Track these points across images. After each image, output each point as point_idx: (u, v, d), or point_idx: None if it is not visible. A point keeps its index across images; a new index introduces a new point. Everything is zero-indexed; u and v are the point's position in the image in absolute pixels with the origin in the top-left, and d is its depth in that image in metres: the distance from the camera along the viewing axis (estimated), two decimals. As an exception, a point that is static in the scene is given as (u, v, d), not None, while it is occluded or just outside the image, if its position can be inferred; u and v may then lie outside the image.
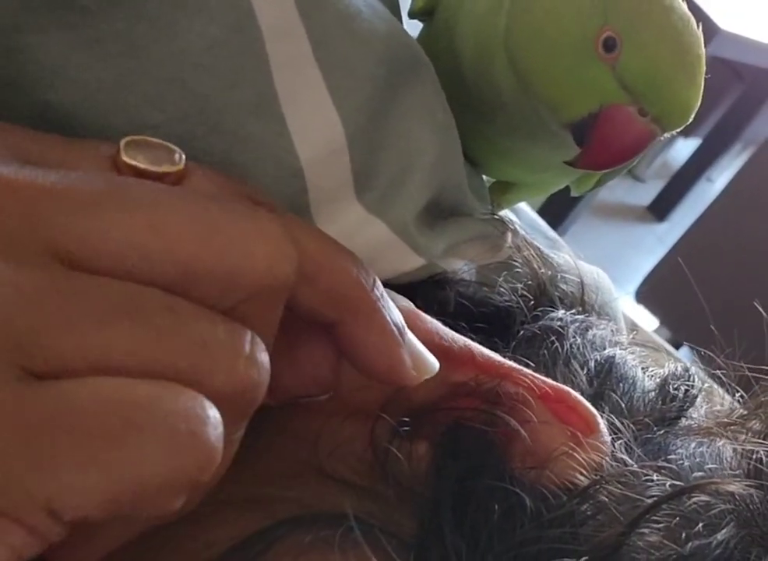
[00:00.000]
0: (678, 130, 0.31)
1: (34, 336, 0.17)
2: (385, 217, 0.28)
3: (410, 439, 0.25)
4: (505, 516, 0.24)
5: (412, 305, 0.27)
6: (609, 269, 0.41)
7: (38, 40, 0.22)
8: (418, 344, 0.24)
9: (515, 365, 0.27)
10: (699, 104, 0.30)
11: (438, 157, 0.29)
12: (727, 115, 2.56)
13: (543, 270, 0.34)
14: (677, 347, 1.65)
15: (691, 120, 0.31)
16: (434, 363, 0.24)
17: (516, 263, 0.34)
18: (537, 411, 0.26)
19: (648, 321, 1.81)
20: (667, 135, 0.31)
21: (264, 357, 0.19)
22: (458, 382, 0.26)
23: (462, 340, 0.26)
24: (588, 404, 0.26)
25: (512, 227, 0.35)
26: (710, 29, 1.76)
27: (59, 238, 0.18)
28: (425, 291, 0.31)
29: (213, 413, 0.18)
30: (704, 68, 0.30)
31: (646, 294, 1.78)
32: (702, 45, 0.30)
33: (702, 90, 0.30)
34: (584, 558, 0.22)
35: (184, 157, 0.21)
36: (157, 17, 0.23)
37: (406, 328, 0.24)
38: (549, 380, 0.27)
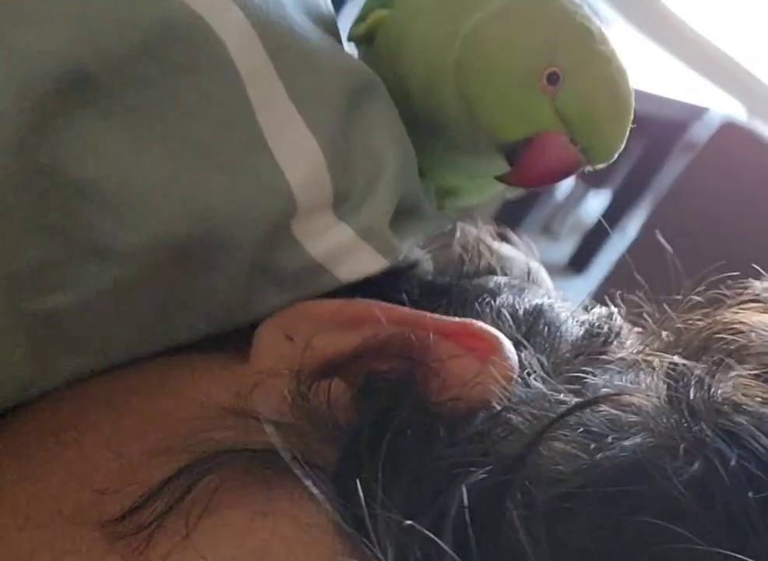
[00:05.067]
0: (600, 166, 0.35)
1: None
2: (356, 225, 0.31)
3: (329, 380, 0.27)
4: (419, 442, 0.26)
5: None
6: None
7: (64, 121, 0.24)
8: None
9: (420, 312, 0.30)
10: (623, 145, 0.34)
11: (401, 166, 0.32)
12: (636, 166, 2.59)
13: (487, 254, 0.38)
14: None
15: (614, 158, 0.35)
16: None
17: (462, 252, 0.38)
18: (447, 347, 0.28)
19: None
20: (589, 167, 0.35)
21: None
22: (368, 337, 0.28)
23: (365, 302, 0.30)
24: (491, 328, 0.29)
25: (461, 223, 0.39)
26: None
27: None
28: (388, 280, 0.34)
29: None
30: (632, 115, 0.34)
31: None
32: (633, 95, 0.34)
33: (627, 134, 0.34)
34: (488, 467, 0.24)
35: None
36: (161, 83, 0.26)
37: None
38: (454, 318, 0.29)
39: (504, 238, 0.41)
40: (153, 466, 0.25)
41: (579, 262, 2.70)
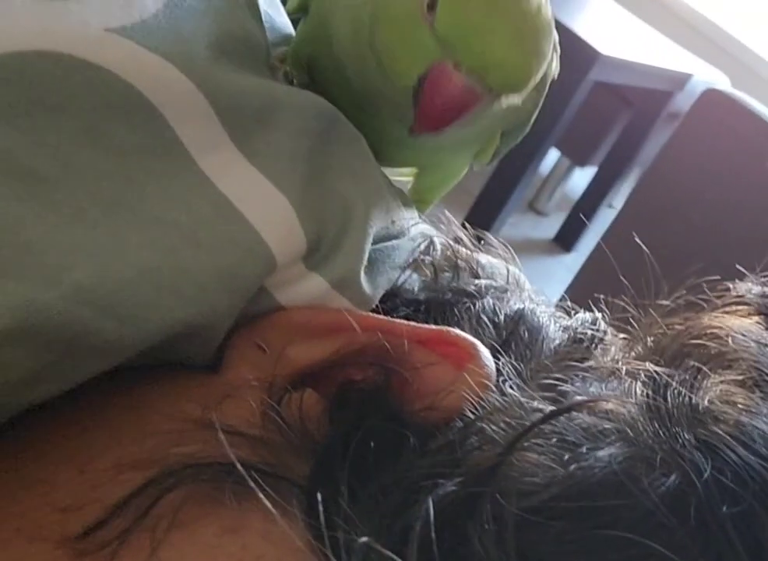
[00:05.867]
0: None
1: None
2: (330, 276, 0.29)
3: (301, 391, 0.27)
4: (389, 453, 0.25)
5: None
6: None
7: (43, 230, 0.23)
8: None
9: (395, 319, 0.29)
10: (531, 65, 0.31)
11: (369, 207, 0.31)
12: (620, 140, 2.56)
13: (465, 263, 0.36)
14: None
15: (523, 84, 0.31)
16: None
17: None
18: (422, 355, 0.28)
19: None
20: (504, 100, 0.32)
21: None
22: (342, 346, 0.28)
23: (338, 310, 0.29)
24: (467, 336, 0.28)
25: (440, 240, 0.37)
26: (591, 55, 1.73)
27: None
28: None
29: None
30: (540, 31, 0.31)
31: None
32: (541, 13, 0.31)
33: (536, 53, 0.31)
34: (459, 478, 0.23)
35: None
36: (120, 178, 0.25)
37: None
38: (428, 326, 0.29)
39: (481, 240, 0.39)
40: (118, 481, 0.24)
41: (566, 239, 2.68)
